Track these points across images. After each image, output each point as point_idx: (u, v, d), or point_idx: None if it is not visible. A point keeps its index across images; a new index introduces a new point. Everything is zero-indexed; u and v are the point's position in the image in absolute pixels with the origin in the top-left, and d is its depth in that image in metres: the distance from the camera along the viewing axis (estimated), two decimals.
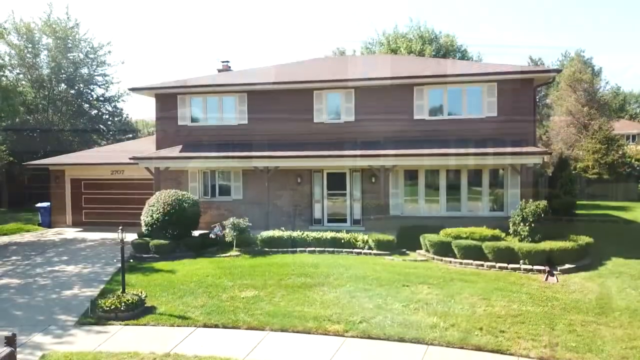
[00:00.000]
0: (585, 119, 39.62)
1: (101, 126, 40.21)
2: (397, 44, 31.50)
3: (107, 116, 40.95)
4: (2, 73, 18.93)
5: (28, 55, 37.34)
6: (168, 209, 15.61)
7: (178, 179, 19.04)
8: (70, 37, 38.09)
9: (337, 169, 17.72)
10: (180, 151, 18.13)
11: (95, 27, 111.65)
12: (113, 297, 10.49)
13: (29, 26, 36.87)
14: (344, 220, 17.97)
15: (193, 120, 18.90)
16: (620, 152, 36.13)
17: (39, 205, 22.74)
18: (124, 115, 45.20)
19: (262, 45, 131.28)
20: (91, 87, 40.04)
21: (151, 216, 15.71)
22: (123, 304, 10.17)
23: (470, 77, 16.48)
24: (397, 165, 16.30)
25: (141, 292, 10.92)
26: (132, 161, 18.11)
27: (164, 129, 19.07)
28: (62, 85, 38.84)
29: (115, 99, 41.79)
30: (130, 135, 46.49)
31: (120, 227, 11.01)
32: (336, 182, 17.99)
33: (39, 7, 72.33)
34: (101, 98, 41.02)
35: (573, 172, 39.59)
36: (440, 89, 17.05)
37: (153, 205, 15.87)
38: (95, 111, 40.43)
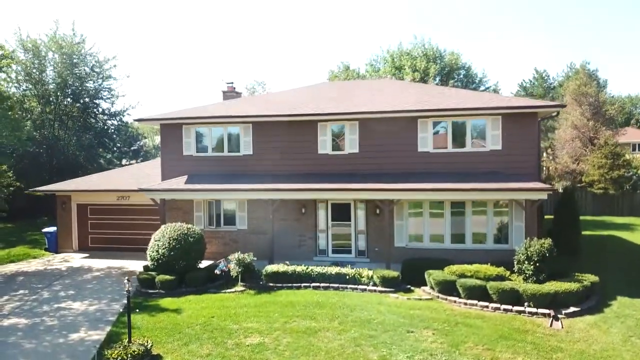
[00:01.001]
0: (591, 133, 39.51)
1: (107, 140, 40.43)
2: (401, 61, 31.53)
3: (113, 129, 41.15)
4: (9, 103, 18.97)
5: (34, 70, 37.61)
6: (174, 244, 15.71)
7: (183, 208, 19.13)
8: (76, 53, 38.35)
9: (342, 200, 17.76)
10: (186, 181, 18.23)
11: (101, 41, 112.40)
12: (119, 347, 10.56)
13: (35, 42, 37.15)
14: (349, 251, 18.01)
15: (198, 150, 19.00)
16: (626, 167, 36.00)
17: (45, 230, 22.91)
18: (130, 129, 45.56)
19: (267, 59, 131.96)
20: (97, 101, 40.27)
21: (157, 251, 15.81)
22: (129, 355, 10.24)
23: (474, 110, 16.48)
24: (401, 199, 16.33)
25: (147, 341, 10.99)
26: (137, 189, 18.20)
27: (170, 159, 19.18)
28: (68, 99, 39.07)
29: (121, 113, 42.08)
30: (135, 147, 46.86)
31: (126, 278, 11.06)
32: (341, 212, 18.03)
33: (45, 24, 72.56)
34: (107, 112, 41.30)
35: (579, 185, 39.72)
36: (445, 121, 17.08)
37: (159, 240, 15.97)
38: (101, 125, 40.63)
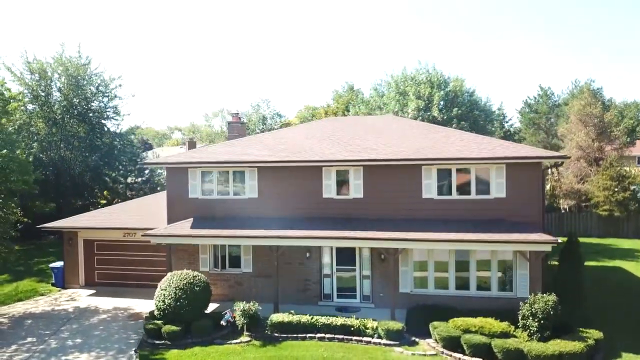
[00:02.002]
0: (596, 153, 39.42)
1: (113, 160, 40.53)
2: (405, 85, 31.58)
3: (118, 148, 41.23)
4: (17, 145, 19.14)
5: (41, 92, 37.88)
6: (180, 293, 15.84)
7: (189, 250, 19.27)
8: (82, 74, 38.58)
9: (347, 245, 17.81)
10: (192, 224, 18.36)
11: (106, 58, 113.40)
12: None
13: (41, 64, 37.43)
14: (354, 296, 18.09)
15: (204, 192, 19.12)
16: (631, 189, 35.91)
17: (52, 265, 23.10)
18: (135, 148, 45.76)
19: (272, 76, 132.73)
20: (103, 121, 40.46)
21: (163, 301, 15.94)
22: None
23: (478, 160, 16.54)
24: (405, 248, 16.41)
25: None
26: (143, 234, 18.34)
27: (175, 200, 19.32)
28: (74, 120, 39.26)
29: (128, 133, 42.32)
30: (139, 165, 47.00)
31: (134, 349, 11.15)
32: (345, 257, 18.11)
33: (51, 47, 73.71)
34: (113, 132, 41.49)
35: (584, 204, 39.64)
36: (449, 168, 17.13)
37: (165, 290, 16.09)
38: (107, 145, 40.78)
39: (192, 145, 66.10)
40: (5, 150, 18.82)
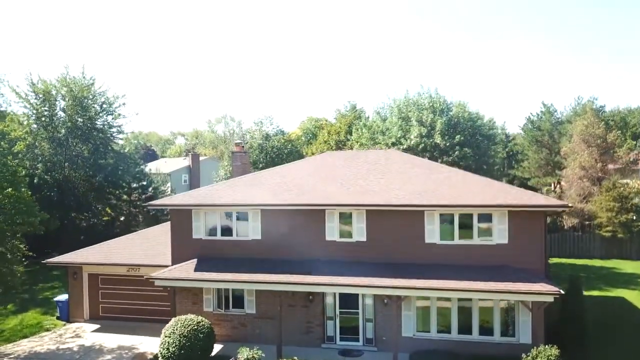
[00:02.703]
0: (599, 173, 39.40)
1: (116, 179, 40.69)
2: (407, 110, 31.67)
3: (122, 169, 41.41)
4: (24, 187, 19.29)
5: (45, 114, 38.12)
6: (184, 341, 15.97)
7: (193, 290, 19.39)
8: (86, 95, 38.81)
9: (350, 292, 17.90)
10: (196, 265, 18.50)
11: (109, 74, 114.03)
12: None
13: (46, 85, 37.67)
14: (357, 339, 18.17)
15: (208, 233, 19.25)
16: (634, 210, 35.90)
17: (57, 299, 23.27)
18: (139, 165, 46.00)
19: (275, 93, 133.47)
20: (106, 141, 40.64)
21: (167, 349, 16.07)
22: None
23: (480, 208, 16.64)
24: (408, 295, 16.51)
25: None
26: (146, 277, 18.48)
27: (180, 241, 19.46)
28: (78, 140, 39.44)
29: (132, 154, 42.60)
30: (144, 183, 47.21)
31: None
32: (348, 301, 18.20)
33: (56, 68, 74.31)
34: (117, 151, 41.69)
35: (589, 228, 39.56)
36: (452, 213, 17.21)
37: (169, 337, 16.22)
38: (111, 165, 40.94)
39: (195, 158, 66.50)
40: (10, 189, 19.02)
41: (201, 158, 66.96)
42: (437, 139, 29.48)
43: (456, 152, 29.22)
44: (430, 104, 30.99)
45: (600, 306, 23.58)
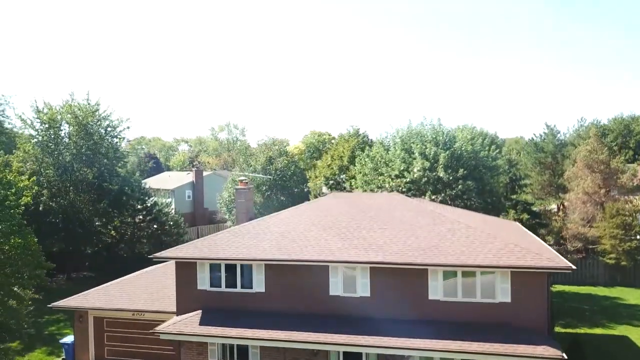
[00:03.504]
0: (603, 198, 39.40)
1: (121, 203, 40.87)
2: (411, 142, 31.78)
3: (127, 192, 41.59)
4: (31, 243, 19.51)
5: (50, 142, 38.40)
6: None
7: (199, 342, 19.52)
8: (91, 122, 39.12)
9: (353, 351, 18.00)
10: (201, 319, 18.70)
11: (113, 97, 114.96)
12: None
13: (52, 112, 37.98)
14: None
15: (212, 284, 19.41)
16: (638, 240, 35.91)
17: (62, 341, 23.49)
18: (143, 187, 46.18)
19: (281, 114, 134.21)
20: (111, 166, 40.86)
21: None
22: None
23: (483, 268, 16.75)
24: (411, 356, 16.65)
25: None
26: (151, 331, 18.66)
27: (184, 292, 19.64)
28: (82, 165, 39.68)
29: (138, 180, 42.86)
30: (149, 205, 47.39)
31: None
32: (352, 357, 18.28)
33: (61, 95, 74.81)
34: (121, 175, 41.91)
35: (593, 253, 39.46)
36: (455, 270, 17.31)
37: None
38: (116, 190, 41.14)
39: (198, 174, 66.71)
40: (15, 239, 19.25)
41: (205, 173, 67.18)
42: (441, 173, 29.57)
43: (459, 186, 29.30)
44: (434, 137, 31.08)
45: (602, 351, 23.43)
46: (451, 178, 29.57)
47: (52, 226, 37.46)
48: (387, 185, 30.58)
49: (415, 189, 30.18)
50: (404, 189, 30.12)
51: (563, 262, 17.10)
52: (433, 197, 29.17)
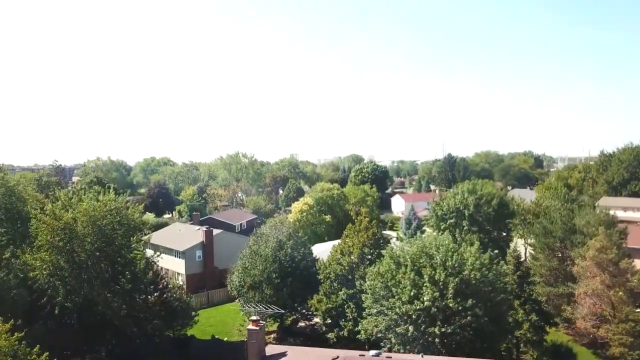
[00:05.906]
0: (612, 299, 39.43)
1: (134, 302, 41.44)
2: (421, 264, 32.21)
3: (140, 288, 42.10)
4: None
5: (66, 243, 39.10)
6: None
7: None
8: (106, 221, 39.86)
9: None
10: None
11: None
12: None
13: (68, 218, 38.73)
14: None
15: None
16: None
17: None
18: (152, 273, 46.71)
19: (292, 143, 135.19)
20: (125, 266, 41.35)
21: None
22: None
23: None
24: None
25: None
26: None
27: None
28: (96, 260, 40.32)
29: (154, 269, 43.54)
30: (160, 287, 47.99)
31: None
32: None
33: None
34: (135, 266, 42.47)
35: (601, 351, 39.55)
36: None
37: None
38: (130, 282, 41.60)
39: (208, 233, 67.44)
40: None
41: (215, 232, 68.05)
42: (450, 303, 29.99)
43: (468, 318, 29.75)
44: (443, 261, 31.52)
45: None
46: (460, 308, 29.97)
47: (67, 327, 38.13)
48: (397, 310, 31.03)
49: (425, 316, 30.58)
50: (414, 316, 30.54)
51: None
52: (443, 329, 29.60)
